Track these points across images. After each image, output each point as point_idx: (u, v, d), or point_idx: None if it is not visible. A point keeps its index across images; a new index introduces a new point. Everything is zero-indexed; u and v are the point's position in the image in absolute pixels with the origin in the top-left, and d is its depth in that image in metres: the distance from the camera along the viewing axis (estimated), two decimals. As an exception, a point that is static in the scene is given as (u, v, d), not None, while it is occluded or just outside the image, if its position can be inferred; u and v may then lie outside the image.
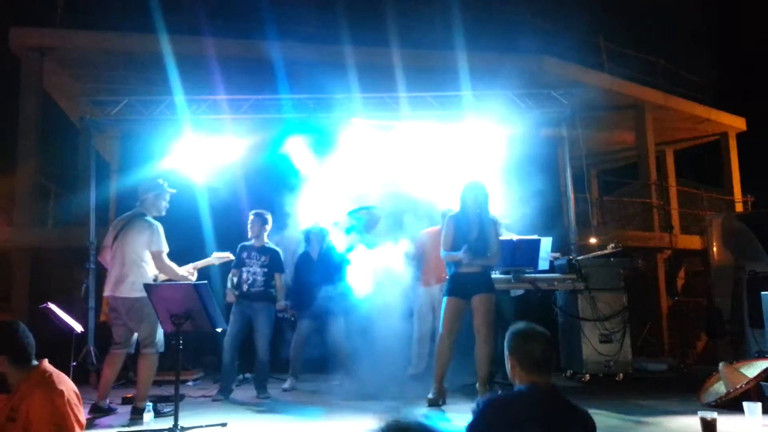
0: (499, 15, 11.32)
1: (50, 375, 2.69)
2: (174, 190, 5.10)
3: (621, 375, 6.07)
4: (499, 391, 4.39)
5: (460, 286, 4.89)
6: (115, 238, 4.79)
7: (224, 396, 5.51)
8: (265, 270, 5.68)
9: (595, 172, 15.14)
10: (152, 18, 8.81)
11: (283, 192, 6.63)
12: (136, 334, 4.73)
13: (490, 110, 7.12)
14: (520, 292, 6.26)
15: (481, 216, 4.96)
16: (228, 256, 5.32)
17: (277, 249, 5.88)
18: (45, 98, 10.19)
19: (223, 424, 4.23)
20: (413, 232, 6.49)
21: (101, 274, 7.27)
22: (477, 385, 4.87)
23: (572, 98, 7.25)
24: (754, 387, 4.53)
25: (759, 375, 4.59)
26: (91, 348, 6.39)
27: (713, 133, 14.36)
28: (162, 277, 4.81)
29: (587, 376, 6.09)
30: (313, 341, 6.16)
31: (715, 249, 9.09)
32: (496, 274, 5.82)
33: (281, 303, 5.83)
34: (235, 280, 5.67)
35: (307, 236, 6.25)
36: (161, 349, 4.72)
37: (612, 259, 6.46)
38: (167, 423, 4.05)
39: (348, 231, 6.42)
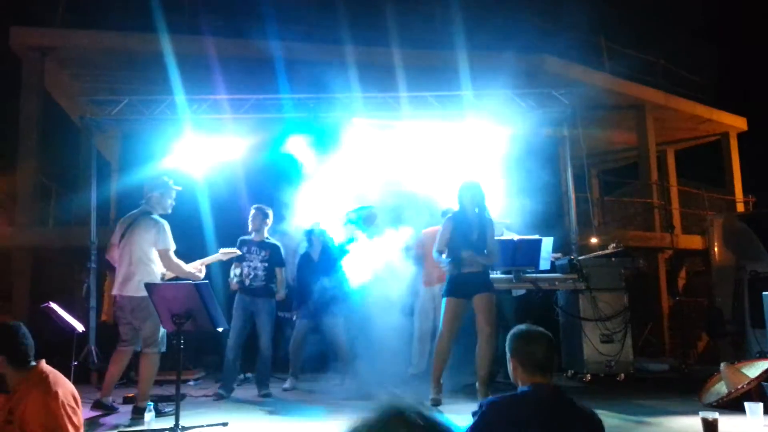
0: (500, 14, 11.31)
1: (47, 376, 2.67)
2: (180, 188, 5.11)
3: (622, 375, 6.06)
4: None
5: (461, 286, 4.90)
6: (122, 236, 4.80)
7: (226, 393, 5.52)
8: (266, 265, 5.71)
9: (596, 171, 15.12)
10: (153, 17, 8.80)
11: (285, 191, 6.63)
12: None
13: (491, 110, 7.12)
14: (521, 291, 6.27)
15: (481, 216, 4.96)
16: (235, 251, 5.39)
17: (277, 243, 5.90)
18: (46, 98, 10.18)
19: (224, 424, 4.23)
20: (413, 225, 6.48)
21: (102, 273, 7.30)
22: (477, 384, 4.87)
23: (573, 98, 7.24)
24: (755, 387, 4.52)
25: (760, 375, 4.58)
26: (92, 347, 6.39)
27: (714, 133, 14.33)
28: (170, 275, 4.81)
29: (588, 376, 6.08)
30: (313, 341, 6.17)
31: (716, 249, 9.08)
32: (497, 274, 5.83)
33: (281, 293, 5.85)
34: (237, 271, 5.68)
35: (309, 237, 6.26)
36: (163, 348, 4.73)
37: (613, 259, 6.46)
38: (168, 422, 4.04)
39: (347, 223, 6.44)
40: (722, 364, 4.96)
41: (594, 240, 9.04)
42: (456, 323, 4.90)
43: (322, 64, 8.57)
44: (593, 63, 11.88)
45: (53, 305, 5.49)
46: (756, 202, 13.93)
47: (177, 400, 3.98)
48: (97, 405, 4.69)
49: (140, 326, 4.69)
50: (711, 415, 3.50)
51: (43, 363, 2.75)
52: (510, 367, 2.30)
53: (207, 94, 7.53)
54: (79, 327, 5.52)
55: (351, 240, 6.29)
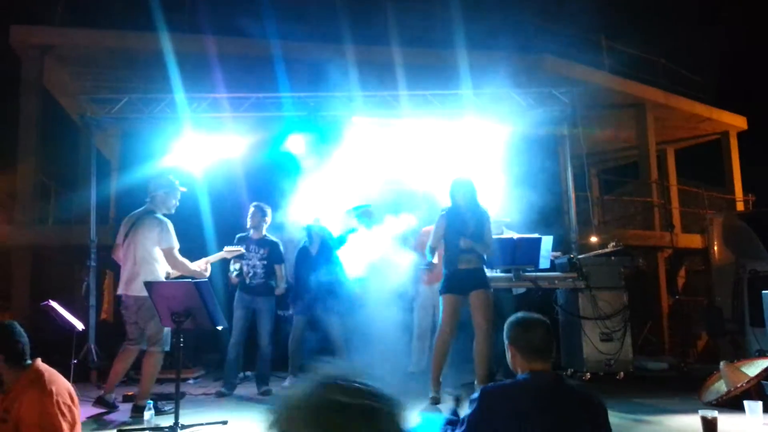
0: (500, 12, 11.31)
1: (42, 375, 2.66)
2: (185, 188, 5.10)
3: (622, 374, 6.06)
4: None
5: (458, 283, 4.90)
6: (126, 235, 4.79)
7: (228, 391, 5.53)
8: (265, 263, 5.71)
9: (595, 170, 15.13)
10: (152, 16, 8.81)
11: (284, 189, 6.63)
12: None
13: (491, 108, 7.11)
14: (521, 290, 6.26)
15: (475, 211, 4.97)
16: (239, 249, 5.42)
17: (276, 240, 5.90)
18: (45, 96, 10.19)
19: (224, 422, 4.23)
20: (413, 221, 6.48)
21: (101, 272, 7.31)
22: (475, 383, 4.87)
23: (573, 97, 7.23)
24: (754, 386, 4.53)
25: (760, 374, 4.58)
26: (92, 346, 6.40)
27: (714, 132, 14.34)
28: (175, 273, 4.81)
29: (588, 375, 6.08)
30: (311, 338, 6.16)
31: (715, 248, 9.07)
32: (497, 273, 5.83)
33: (280, 288, 5.86)
34: (237, 266, 5.68)
35: (309, 233, 6.26)
36: (167, 348, 4.73)
37: (613, 257, 6.46)
38: (168, 421, 4.05)
39: (347, 214, 6.45)
40: (722, 363, 4.96)
41: (594, 239, 9.04)
42: (455, 319, 4.91)
43: (322, 63, 8.57)
44: (593, 62, 11.88)
45: (53, 303, 5.49)
46: (756, 201, 13.95)
47: (177, 398, 3.98)
48: (99, 401, 4.69)
49: (145, 325, 4.69)
50: (710, 413, 3.50)
51: (39, 361, 2.73)
52: (509, 355, 2.29)
53: (207, 92, 7.53)
54: (79, 325, 5.52)
55: (351, 230, 6.29)
